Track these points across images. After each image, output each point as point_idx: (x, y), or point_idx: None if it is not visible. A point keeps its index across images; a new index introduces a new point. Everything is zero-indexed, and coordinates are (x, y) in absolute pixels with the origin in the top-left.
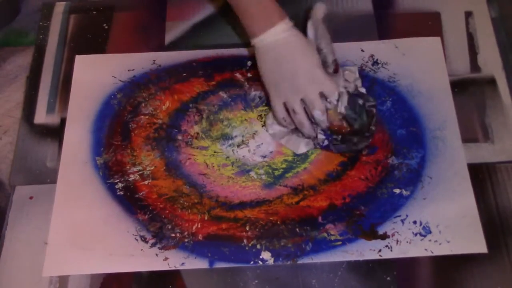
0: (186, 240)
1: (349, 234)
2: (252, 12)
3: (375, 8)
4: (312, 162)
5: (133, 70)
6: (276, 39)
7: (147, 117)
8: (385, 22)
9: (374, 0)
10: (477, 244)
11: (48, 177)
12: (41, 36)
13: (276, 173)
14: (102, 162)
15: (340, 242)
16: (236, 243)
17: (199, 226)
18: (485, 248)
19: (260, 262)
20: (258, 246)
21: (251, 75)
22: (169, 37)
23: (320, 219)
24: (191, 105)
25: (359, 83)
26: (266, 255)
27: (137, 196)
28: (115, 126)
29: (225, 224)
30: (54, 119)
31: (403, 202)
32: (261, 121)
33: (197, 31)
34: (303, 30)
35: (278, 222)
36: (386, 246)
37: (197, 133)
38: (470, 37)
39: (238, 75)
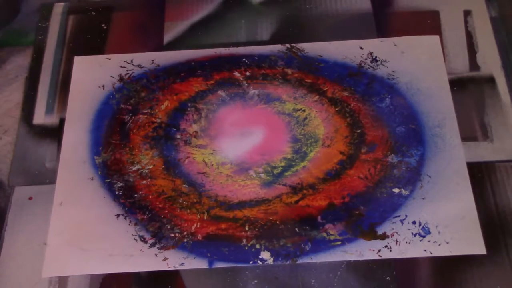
0: (185, 240)
1: (348, 234)
2: None
3: (373, 6)
4: (311, 160)
5: (131, 70)
6: None
7: (145, 116)
8: (384, 21)
9: None
10: (476, 246)
11: (47, 177)
12: (40, 37)
13: (275, 171)
14: (100, 161)
15: (339, 242)
16: (236, 243)
17: (198, 226)
18: (484, 250)
19: (260, 262)
20: (258, 246)
21: (249, 73)
22: (168, 37)
23: (319, 218)
24: (189, 104)
25: None
26: (265, 255)
27: (136, 195)
28: (113, 125)
29: (224, 224)
30: (53, 120)
31: (402, 202)
32: None
33: (195, 30)
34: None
35: (278, 222)
36: (386, 246)
37: (196, 132)
38: (469, 36)
39: (236, 74)
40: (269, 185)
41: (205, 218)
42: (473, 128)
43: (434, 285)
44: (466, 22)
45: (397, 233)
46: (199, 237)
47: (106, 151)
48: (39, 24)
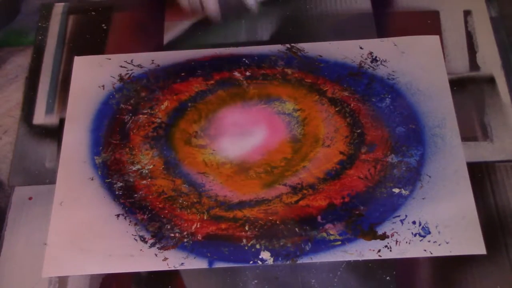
0: (185, 240)
1: (348, 234)
2: None
3: (374, 6)
4: (311, 160)
5: (131, 70)
6: None
7: (145, 116)
8: (384, 21)
9: None
10: (476, 246)
11: (47, 177)
12: (40, 37)
13: (275, 171)
14: (100, 161)
15: (339, 242)
16: (236, 243)
17: (198, 226)
18: (484, 250)
19: (260, 262)
20: (258, 246)
21: (249, 73)
22: (168, 37)
23: (319, 218)
24: (189, 104)
25: None
26: (265, 255)
27: (136, 195)
28: (113, 125)
29: (224, 224)
30: (53, 120)
31: (402, 202)
32: None
33: (195, 30)
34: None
35: (278, 222)
36: (386, 246)
37: (196, 132)
38: (469, 36)
39: (236, 74)
40: (269, 185)
41: (205, 218)
42: (473, 128)
43: (434, 285)
44: (466, 22)
45: (397, 233)
46: (199, 237)
47: (106, 151)
48: (39, 24)
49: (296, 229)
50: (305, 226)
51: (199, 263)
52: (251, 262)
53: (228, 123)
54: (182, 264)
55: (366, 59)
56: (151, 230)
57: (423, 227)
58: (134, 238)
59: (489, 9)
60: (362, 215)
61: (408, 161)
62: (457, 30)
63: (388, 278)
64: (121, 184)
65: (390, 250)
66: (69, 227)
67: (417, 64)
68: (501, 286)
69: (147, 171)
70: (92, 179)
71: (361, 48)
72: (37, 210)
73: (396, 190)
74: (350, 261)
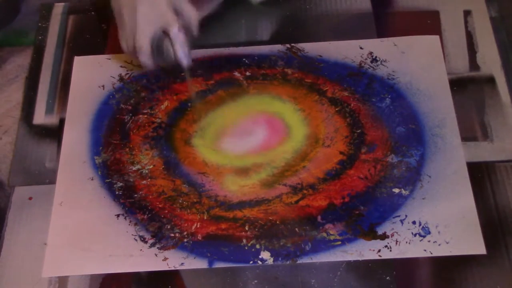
0: (185, 240)
1: (348, 234)
2: None
3: (374, 6)
4: (311, 160)
5: (131, 70)
6: None
7: (145, 116)
8: (384, 21)
9: None
10: (476, 246)
11: (47, 177)
12: (40, 37)
13: (275, 171)
14: (100, 161)
15: (339, 242)
16: (236, 243)
17: (198, 226)
18: (484, 250)
19: (260, 262)
20: (258, 246)
21: (249, 73)
22: None
23: (319, 218)
24: (189, 104)
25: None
26: (265, 255)
27: (136, 195)
28: (113, 125)
29: (224, 224)
30: (53, 120)
31: (402, 202)
32: None
33: None
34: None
35: (278, 222)
36: (386, 246)
37: (196, 132)
38: (469, 36)
39: (236, 74)
40: (269, 185)
41: (205, 218)
42: (473, 128)
43: (434, 285)
44: (466, 22)
45: (397, 233)
46: (199, 237)
47: (106, 151)
48: (39, 24)
49: (296, 229)
50: (305, 226)
51: (199, 263)
52: (251, 262)
53: (228, 123)
54: (182, 264)
55: (366, 59)
56: (151, 230)
57: (423, 227)
58: (134, 238)
59: (489, 9)
60: (362, 215)
61: (408, 161)
62: (457, 30)
63: (388, 278)
64: (121, 184)
65: (390, 250)
66: (69, 227)
67: (417, 64)
68: (501, 286)
69: (147, 171)
70: (92, 179)
71: (361, 48)
72: (37, 210)
73: (396, 190)
74: (350, 261)
